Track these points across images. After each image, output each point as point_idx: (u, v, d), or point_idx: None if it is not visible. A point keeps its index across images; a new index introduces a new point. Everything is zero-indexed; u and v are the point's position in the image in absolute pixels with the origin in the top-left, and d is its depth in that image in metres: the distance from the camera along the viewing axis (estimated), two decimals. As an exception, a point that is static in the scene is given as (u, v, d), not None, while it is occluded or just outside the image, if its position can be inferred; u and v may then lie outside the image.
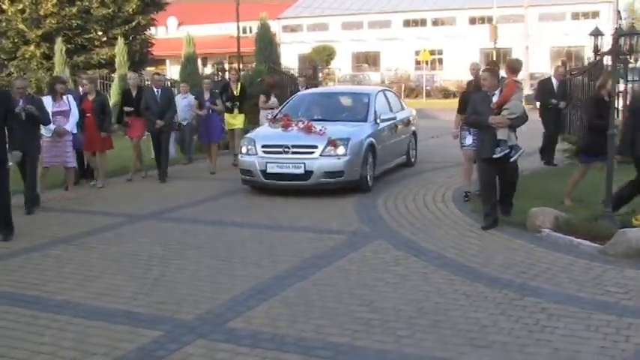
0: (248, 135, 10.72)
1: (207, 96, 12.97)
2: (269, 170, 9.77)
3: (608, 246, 6.41)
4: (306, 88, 14.39)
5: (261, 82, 16.52)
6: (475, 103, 7.86)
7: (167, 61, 49.21)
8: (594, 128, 7.94)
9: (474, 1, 49.00)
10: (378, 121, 10.76)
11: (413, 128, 12.85)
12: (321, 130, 9.91)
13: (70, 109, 9.99)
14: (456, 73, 39.98)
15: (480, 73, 8.43)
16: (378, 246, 6.94)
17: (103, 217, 8.71)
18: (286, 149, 9.81)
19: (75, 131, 10.13)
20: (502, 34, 42.84)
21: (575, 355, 4.22)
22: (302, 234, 7.53)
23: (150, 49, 27.98)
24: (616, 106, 8.31)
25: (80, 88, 11.72)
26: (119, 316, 5.03)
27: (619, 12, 37.29)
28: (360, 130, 10.26)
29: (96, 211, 9.13)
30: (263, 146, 10.00)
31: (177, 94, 14.18)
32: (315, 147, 9.72)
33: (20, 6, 24.74)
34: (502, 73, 8.81)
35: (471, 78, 10.46)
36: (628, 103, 10.85)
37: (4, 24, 25.15)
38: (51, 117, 9.27)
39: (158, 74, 13.55)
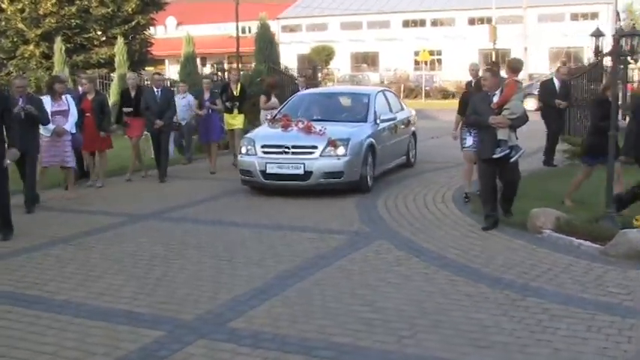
0: (248, 135, 10.71)
1: (207, 96, 12.97)
2: (269, 170, 9.75)
3: (609, 247, 6.41)
4: (306, 88, 14.39)
5: (261, 82, 16.51)
6: (475, 103, 7.86)
7: (166, 61, 49.18)
8: (598, 130, 7.92)
9: (473, 2, 49.03)
10: (378, 121, 10.76)
11: (413, 129, 12.86)
12: (320, 131, 9.90)
13: (69, 108, 9.97)
14: (455, 73, 39.99)
15: (481, 73, 8.44)
16: (379, 246, 6.94)
17: (103, 216, 8.70)
18: (286, 149, 9.81)
19: (74, 131, 10.10)
20: (501, 34, 42.84)
21: (577, 356, 4.22)
22: (303, 234, 7.53)
23: (149, 48, 27.98)
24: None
25: (79, 88, 11.71)
26: (121, 316, 5.03)
27: (618, 13, 37.32)
28: (360, 130, 10.26)
29: (96, 210, 9.12)
30: (263, 146, 9.98)
31: (176, 93, 14.16)
32: (315, 147, 9.71)
33: (19, 5, 24.75)
34: (502, 73, 8.82)
35: (470, 78, 10.50)
36: (627, 104, 10.86)
37: (3, 23, 25.15)
38: (50, 117, 9.27)
39: (159, 74, 13.57)
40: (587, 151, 8.44)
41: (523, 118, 7.64)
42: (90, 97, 10.89)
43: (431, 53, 46.64)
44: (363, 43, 52.77)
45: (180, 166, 13.37)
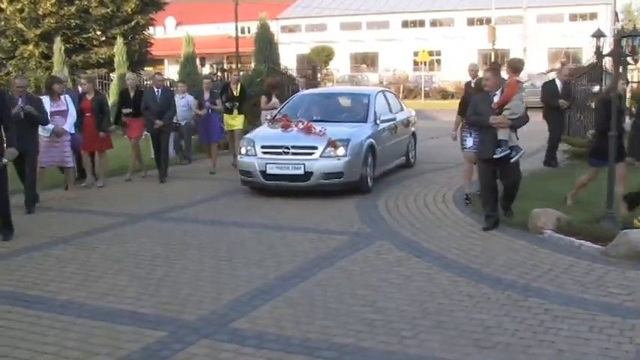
0: (247, 136, 10.69)
1: (207, 96, 12.97)
2: (268, 171, 9.74)
3: (609, 247, 6.41)
4: (306, 88, 14.38)
5: (261, 83, 16.50)
6: (476, 103, 7.86)
7: (165, 61, 49.16)
8: (604, 131, 7.89)
9: (473, 2, 49.04)
10: (378, 122, 10.75)
11: (412, 129, 12.86)
12: (321, 131, 9.89)
13: (68, 109, 9.96)
14: (455, 74, 39.96)
15: (481, 73, 8.43)
16: (380, 246, 6.94)
17: (103, 216, 8.69)
18: (286, 150, 9.80)
19: (73, 131, 10.10)
20: (500, 35, 42.86)
21: (581, 357, 4.22)
22: (303, 234, 7.52)
23: (149, 49, 27.98)
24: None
25: (79, 88, 11.71)
26: (123, 316, 5.02)
27: (617, 14, 37.37)
28: (360, 130, 10.25)
29: (96, 210, 9.11)
30: (262, 147, 9.97)
31: (175, 94, 14.13)
32: (315, 148, 9.70)
33: (19, 5, 24.75)
34: (502, 73, 8.82)
35: (469, 79, 10.50)
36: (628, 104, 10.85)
37: (2, 23, 25.15)
38: (49, 117, 9.25)
39: (159, 74, 13.55)
40: (592, 153, 8.40)
41: (524, 119, 7.64)
42: (89, 97, 10.88)
43: (430, 54, 46.64)
44: (363, 44, 52.75)
45: (180, 166, 13.36)
